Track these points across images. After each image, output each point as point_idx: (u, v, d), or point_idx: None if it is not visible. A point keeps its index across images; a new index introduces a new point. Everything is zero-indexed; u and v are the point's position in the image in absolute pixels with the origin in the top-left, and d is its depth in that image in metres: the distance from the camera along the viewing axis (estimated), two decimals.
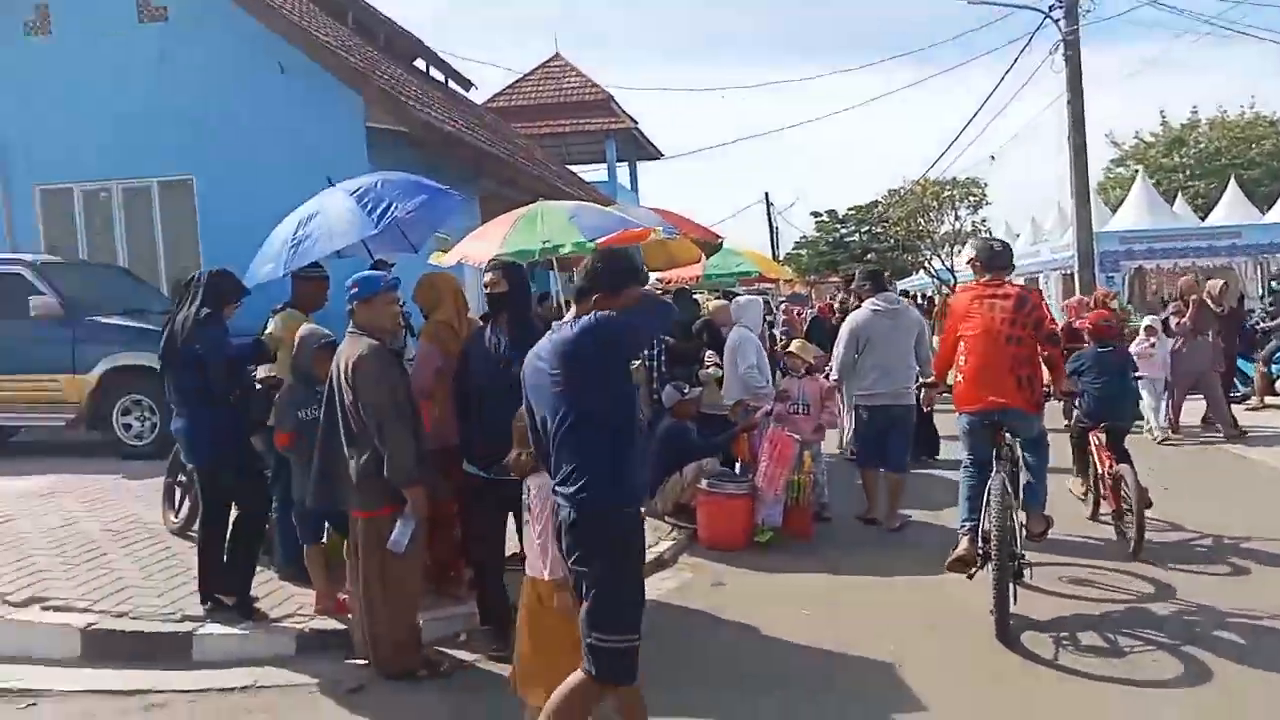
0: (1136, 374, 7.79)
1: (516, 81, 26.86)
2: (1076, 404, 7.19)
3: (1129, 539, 6.39)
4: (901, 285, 34.63)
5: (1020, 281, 7.54)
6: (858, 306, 7.81)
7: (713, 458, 7.33)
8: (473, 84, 22.05)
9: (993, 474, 5.27)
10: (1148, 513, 6.41)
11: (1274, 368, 13.05)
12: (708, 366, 7.91)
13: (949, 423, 9.84)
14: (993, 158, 41.08)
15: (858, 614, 5.44)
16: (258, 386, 5.36)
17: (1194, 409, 11.25)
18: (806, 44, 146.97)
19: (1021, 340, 5.40)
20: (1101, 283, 17.93)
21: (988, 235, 6.78)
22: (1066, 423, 7.92)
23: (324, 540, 5.25)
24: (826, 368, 7.94)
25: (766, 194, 44.49)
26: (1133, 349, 10.68)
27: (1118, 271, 20.08)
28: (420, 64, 19.17)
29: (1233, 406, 11.37)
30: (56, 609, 5.00)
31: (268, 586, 5.38)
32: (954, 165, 50.62)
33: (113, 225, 12.35)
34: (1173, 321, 11.38)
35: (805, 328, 12.79)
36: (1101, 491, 7.05)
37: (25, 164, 12.15)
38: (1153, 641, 4.94)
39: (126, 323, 9.01)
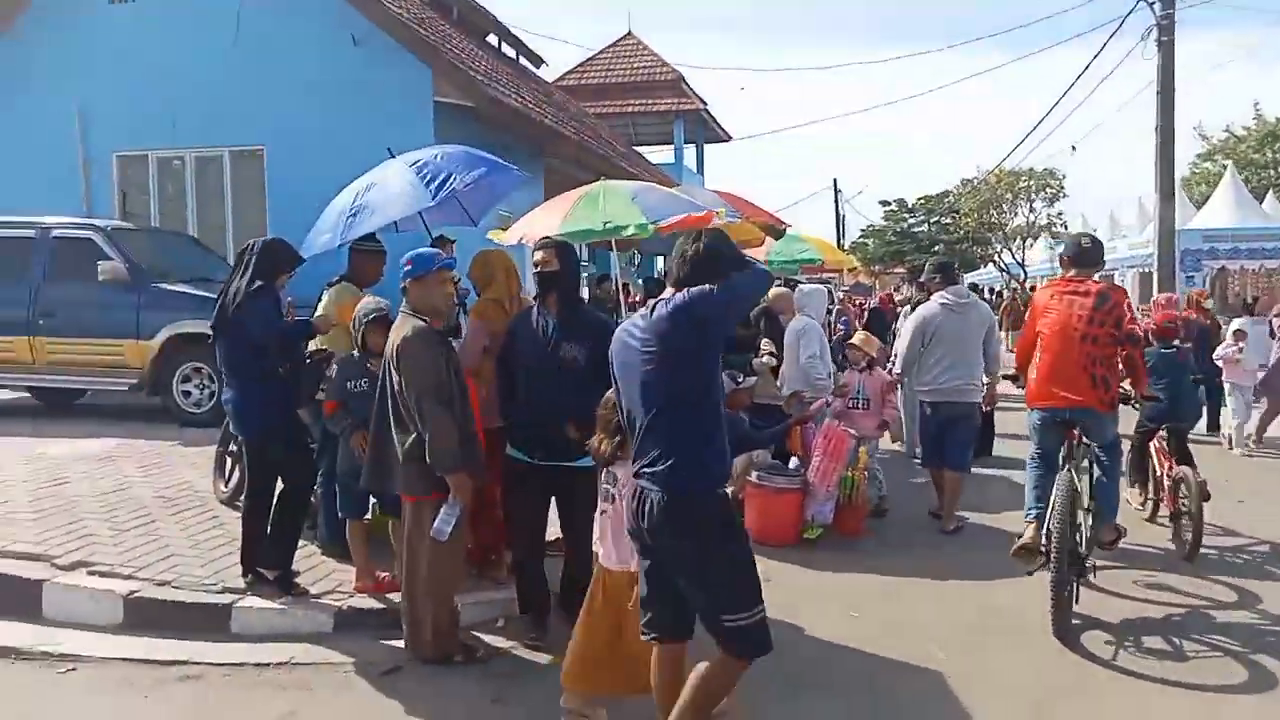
0: (1194, 376, 7.58)
1: (588, 60, 26.79)
2: (1136, 406, 6.96)
3: (1184, 541, 6.32)
4: (969, 278, 33.88)
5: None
6: (921, 300, 7.60)
7: (764, 449, 7.16)
8: (544, 61, 21.98)
9: (1060, 471, 5.20)
10: (1206, 517, 6.28)
11: None
12: (762, 355, 7.73)
13: (1006, 420, 9.74)
14: (1074, 148, 39.79)
15: (907, 618, 5.26)
16: (308, 361, 5.33)
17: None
18: (892, 30, 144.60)
19: (1098, 339, 5.28)
20: (1181, 283, 17.29)
21: (1080, 231, 6.61)
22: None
23: (368, 516, 5.23)
24: (888, 363, 7.73)
25: (835, 180, 43.84)
26: (1219, 353, 10.28)
27: (1199, 271, 19.30)
28: (493, 40, 19.13)
29: None
30: (102, 574, 5.03)
31: (310, 561, 5.37)
32: (1032, 156, 49.40)
33: (185, 193, 12.58)
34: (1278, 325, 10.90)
35: (864, 319, 12.54)
36: (1160, 494, 6.94)
37: (104, 131, 12.41)
38: (1217, 646, 4.84)
39: (190, 290, 9.10)
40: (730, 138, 29.23)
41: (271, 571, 4.95)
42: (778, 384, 7.55)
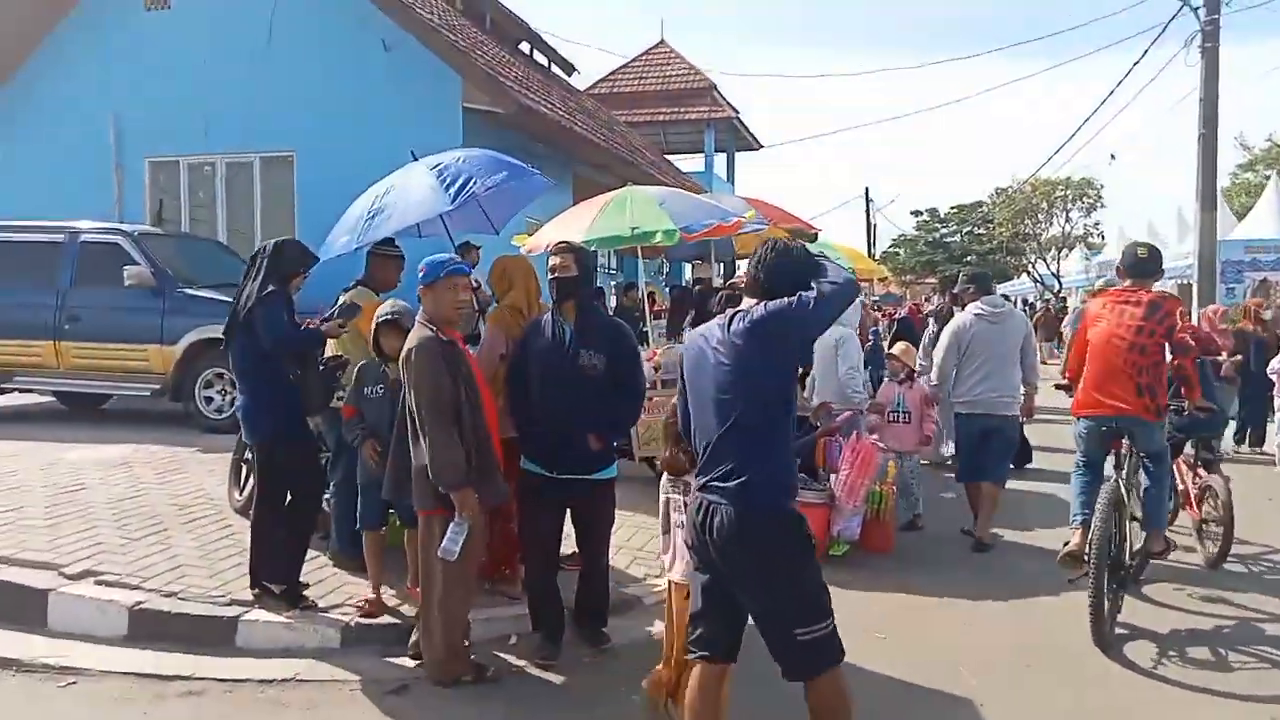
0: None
1: (620, 68, 26.74)
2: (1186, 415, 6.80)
3: (1209, 551, 6.30)
4: (1001, 289, 33.48)
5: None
6: (943, 309, 7.41)
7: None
8: (576, 69, 21.97)
9: (1108, 481, 5.21)
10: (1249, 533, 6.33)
11: None
12: None
13: (1047, 433, 9.48)
14: (1113, 157, 38.97)
15: (938, 641, 5.03)
16: (321, 367, 5.21)
17: None
18: (925, 39, 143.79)
19: (1146, 349, 5.26)
20: (1222, 295, 16.86)
21: (1135, 241, 6.48)
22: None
23: (384, 528, 5.10)
24: (925, 374, 7.54)
25: (866, 189, 43.53)
26: (1273, 367, 9.98)
27: (1240, 283, 18.84)
28: (525, 48, 19.12)
29: None
30: (109, 584, 4.94)
31: (320, 573, 5.25)
32: (1069, 164, 48.68)
33: (215, 199, 12.61)
34: None
35: (892, 330, 12.33)
36: (1181, 502, 6.82)
37: (137, 136, 12.49)
38: (1265, 658, 4.82)
39: (216, 296, 9.06)
40: (761, 145, 29.07)
41: (278, 585, 4.83)
42: (804, 394, 7.34)
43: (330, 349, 5.35)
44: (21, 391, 10.01)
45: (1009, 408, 6.85)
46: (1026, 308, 26.85)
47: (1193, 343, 5.57)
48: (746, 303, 3.27)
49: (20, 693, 4.21)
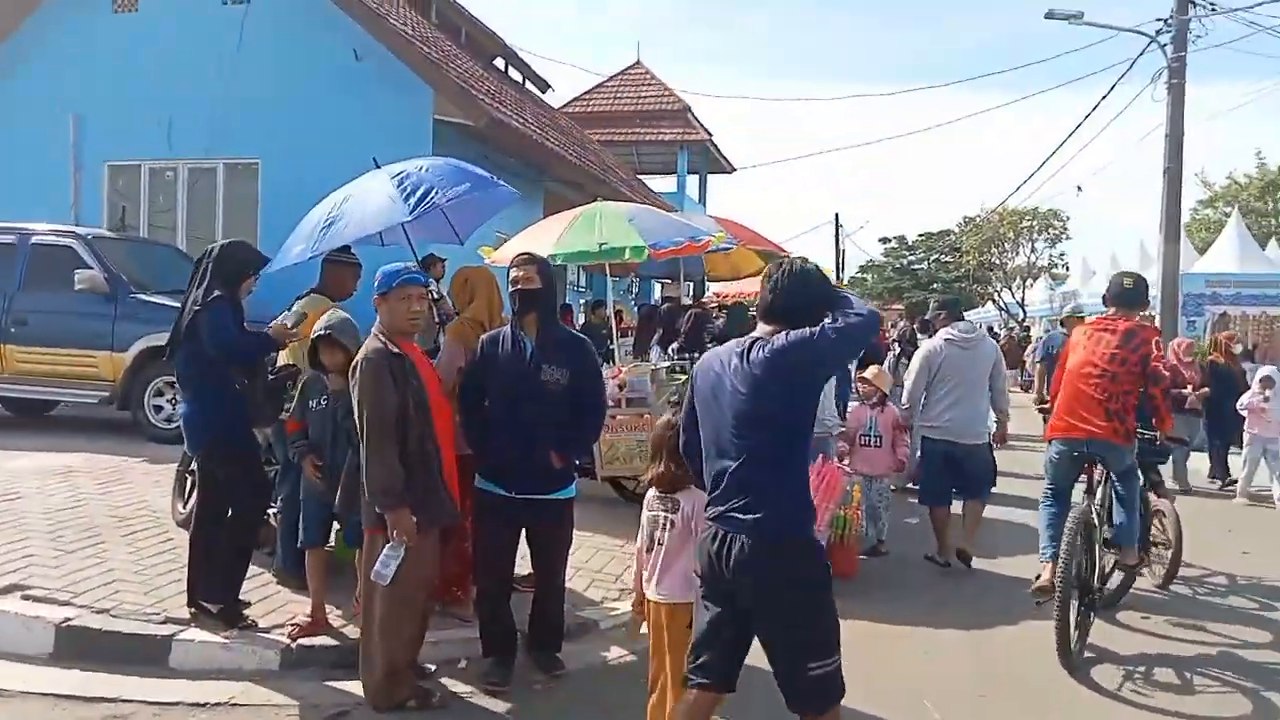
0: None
1: (595, 87, 26.68)
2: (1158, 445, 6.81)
3: (1156, 574, 6.46)
4: (968, 317, 33.71)
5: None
6: (912, 336, 7.39)
7: None
8: (550, 86, 21.87)
9: (1073, 506, 5.30)
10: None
11: None
12: None
13: (1005, 458, 9.44)
14: (1079, 188, 39.48)
15: (900, 669, 4.91)
16: (271, 376, 5.01)
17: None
18: (895, 69, 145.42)
19: (1117, 376, 5.35)
20: (1183, 327, 17.02)
21: (1126, 270, 6.51)
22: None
23: (330, 545, 4.89)
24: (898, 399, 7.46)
25: (836, 215, 43.71)
26: (1243, 401, 9.96)
27: (1200, 316, 19.12)
28: (500, 63, 19.01)
29: None
30: (37, 599, 4.69)
31: (263, 590, 5.03)
32: (1035, 195, 49.33)
33: (176, 204, 12.34)
34: None
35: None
36: None
37: (98, 139, 12.23)
38: (1228, 682, 4.88)
39: (169, 302, 8.78)
40: (734, 169, 29.11)
41: (215, 605, 4.61)
42: None
43: (283, 358, 5.16)
44: None
45: (979, 437, 6.84)
46: (991, 336, 27.07)
47: (1166, 373, 5.65)
48: (762, 329, 3.15)
49: None
